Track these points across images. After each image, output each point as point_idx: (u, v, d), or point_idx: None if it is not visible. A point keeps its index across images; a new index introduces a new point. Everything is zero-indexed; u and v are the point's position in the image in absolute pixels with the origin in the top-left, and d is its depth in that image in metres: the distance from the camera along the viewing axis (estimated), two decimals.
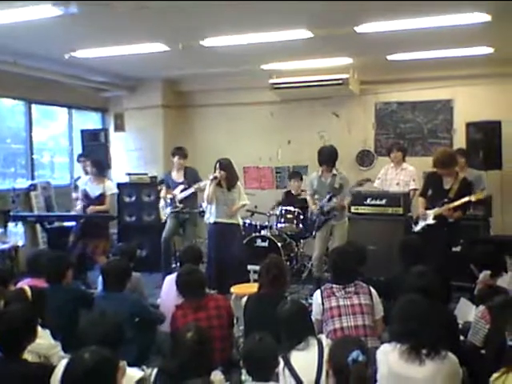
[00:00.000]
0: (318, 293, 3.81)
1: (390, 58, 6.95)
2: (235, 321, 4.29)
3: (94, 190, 6.73)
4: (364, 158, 8.29)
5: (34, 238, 7.63)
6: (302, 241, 7.41)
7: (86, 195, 6.74)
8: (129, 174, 8.26)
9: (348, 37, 5.77)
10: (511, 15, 4.97)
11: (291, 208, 7.11)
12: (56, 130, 9.19)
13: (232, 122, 8.91)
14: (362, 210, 6.17)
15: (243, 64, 7.40)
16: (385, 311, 3.74)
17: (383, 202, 6.10)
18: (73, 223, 6.96)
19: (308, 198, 6.41)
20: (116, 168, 9.21)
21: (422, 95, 7.87)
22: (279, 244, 6.89)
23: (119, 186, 8.25)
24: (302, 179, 7.66)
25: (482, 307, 3.51)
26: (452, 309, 4.45)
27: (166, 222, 7.00)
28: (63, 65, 7.15)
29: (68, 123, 9.00)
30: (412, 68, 7.47)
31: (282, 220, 7.10)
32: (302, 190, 7.54)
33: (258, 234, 7.19)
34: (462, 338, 3.64)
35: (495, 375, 2.62)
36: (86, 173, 7.17)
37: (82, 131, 8.85)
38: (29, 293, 3.44)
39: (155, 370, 2.92)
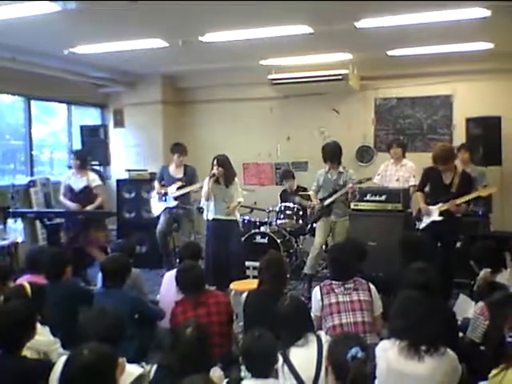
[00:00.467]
0: (317, 289, 3.81)
1: (389, 53, 6.94)
2: (235, 317, 4.29)
3: (78, 183, 6.68)
4: (364, 154, 8.29)
5: (33, 235, 7.61)
6: (301, 237, 7.40)
7: (70, 189, 6.69)
8: (128, 171, 8.25)
9: (348, 32, 5.76)
10: (511, 10, 4.96)
11: (290, 204, 7.12)
12: (55, 126, 9.18)
13: (231, 118, 8.90)
14: (361, 206, 6.16)
15: (242, 60, 7.39)
16: (384, 307, 3.73)
17: (383, 198, 6.09)
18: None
19: (311, 193, 6.39)
20: (115, 164, 9.20)
21: (422, 91, 7.87)
22: (279, 240, 6.89)
23: (118, 182, 8.28)
24: (293, 177, 7.68)
25: (481, 303, 3.51)
26: (451, 305, 4.46)
27: (159, 217, 7.00)
28: (62, 61, 7.13)
29: (67, 119, 8.98)
30: (412, 63, 7.45)
31: (282, 216, 7.09)
32: (298, 186, 7.56)
33: (257, 230, 7.17)
34: (461, 334, 3.64)
35: (494, 371, 2.62)
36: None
37: (82, 127, 8.83)
38: (28, 289, 3.44)
39: (155, 367, 2.92)
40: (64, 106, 8.90)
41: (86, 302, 3.95)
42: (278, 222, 7.12)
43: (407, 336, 2.71)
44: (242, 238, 6.79)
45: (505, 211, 6.91)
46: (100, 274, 4.27)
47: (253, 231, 7.12)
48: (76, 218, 6.65)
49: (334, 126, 8.26)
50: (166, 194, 6.85)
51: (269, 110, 8.76)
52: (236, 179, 6.24)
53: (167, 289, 4.48)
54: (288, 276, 4.69)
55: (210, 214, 6.08)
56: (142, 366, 2.97)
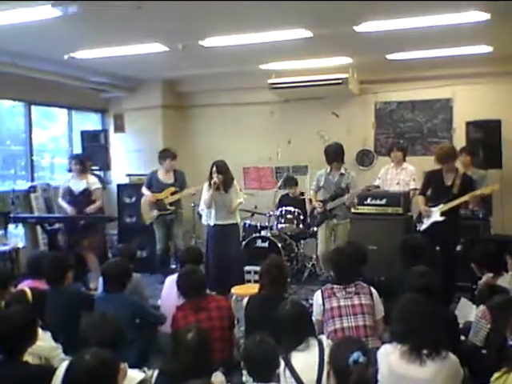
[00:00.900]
0: (318, 293, 3.81)
1: (389, 57, 6.95)
2: (236, 322, 4.28)
3: (78, 185, 6.69)
4: (364, 158, 8.29)
5: (34, 240, 7.61)
6: (302, 241, 7.40)
7: (69, 192, 6.70)
8: (129, 175, 8.25)
9: (347, 36, 5.78)
10: (510, 14, 4.97)
11: (291, 208, 7.11)
12: (56, 132, 9.17)
13: (231, 122, 8.90)
14: (362, 209, 6.16)
15: (242, 64, 7.40)
16: (385, 311, 3.73)
17: (383, 201, 6.09)
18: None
19: (311, 193, 6.38)
20: (116, 169, 9.20)
21: (422, 94, 7.87)
22: (279, 244, 6.88)
23: (119, 187, 8.28)
24: (296, 184, 7.67)
25: (482, 307, 3.51)
26: (453, 309, 4.46)
27: (151, 224, 6.99)
28: (63, 66, 7.14)
29: (68, 124, 8.98)
30: (411, 67, 7.46)
31: (282, 220, 7.09)
32: (302, 193, 7.55)
33: (258, 234, 7.17)
34: (462, 337, 3.64)
35: (496, 375, 2.62)
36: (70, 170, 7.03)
37: (82, 132, 8.85)
38: (29, 294, 3.44)
39: (156, 372, 2.92)
40: (64, 111, 8.90)
41: (87, 307, 3.95)
42: (279, 226, 7.12)
43: (409, 340, 2.71)
44: (243, 243, 6.78)
45: (505, 214, 6.89)
46: (101, 279, 4.27)
47: (254, 235, 7.12)
48: (76, 222, 6.64)
49: (334, 130, 8.24)
50: (158, 200, 6.81)
51: (269, 114, 8.76)
52: (234, 182, 6.25)
53: (168, 293, 4.47)
54: (289, 280, 4.68)
55: (211, 221, 6.11)
56: (144, 371, 2.97)
